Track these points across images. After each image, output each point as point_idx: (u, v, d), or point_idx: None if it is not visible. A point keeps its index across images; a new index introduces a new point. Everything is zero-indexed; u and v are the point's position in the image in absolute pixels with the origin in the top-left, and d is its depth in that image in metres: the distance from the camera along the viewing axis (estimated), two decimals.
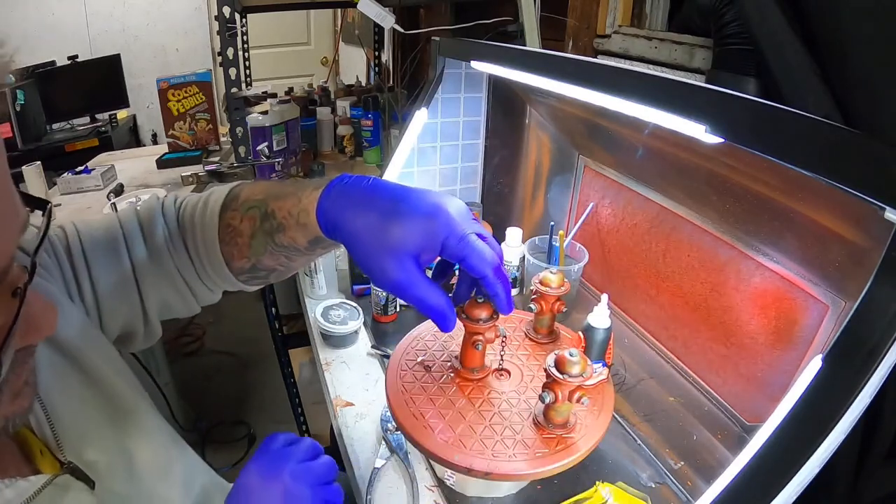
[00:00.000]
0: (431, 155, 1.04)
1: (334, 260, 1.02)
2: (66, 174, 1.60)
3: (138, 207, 0.52)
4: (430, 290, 0.43)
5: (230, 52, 1.15)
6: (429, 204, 0.43)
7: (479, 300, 0.54)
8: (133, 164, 1.84)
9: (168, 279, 0.52)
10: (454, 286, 0.52)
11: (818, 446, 0.32)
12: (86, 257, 0.48)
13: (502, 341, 0.63)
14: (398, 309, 0.94)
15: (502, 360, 0.64)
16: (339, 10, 3.02)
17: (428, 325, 0.69)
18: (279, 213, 0.47)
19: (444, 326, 0.45)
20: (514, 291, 0.99)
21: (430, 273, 0.46)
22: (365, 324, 0.92)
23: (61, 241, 0.48)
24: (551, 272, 0.69)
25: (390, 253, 0.42)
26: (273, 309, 1.55)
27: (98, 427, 0.45)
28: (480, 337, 0.58)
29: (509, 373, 0.64)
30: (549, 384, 0.53)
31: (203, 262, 0.51)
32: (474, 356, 0.60)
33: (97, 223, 0.51)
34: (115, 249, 0.50)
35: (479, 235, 0.44)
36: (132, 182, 1.65)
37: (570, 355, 0.52)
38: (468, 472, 0.52)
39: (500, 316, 0.56)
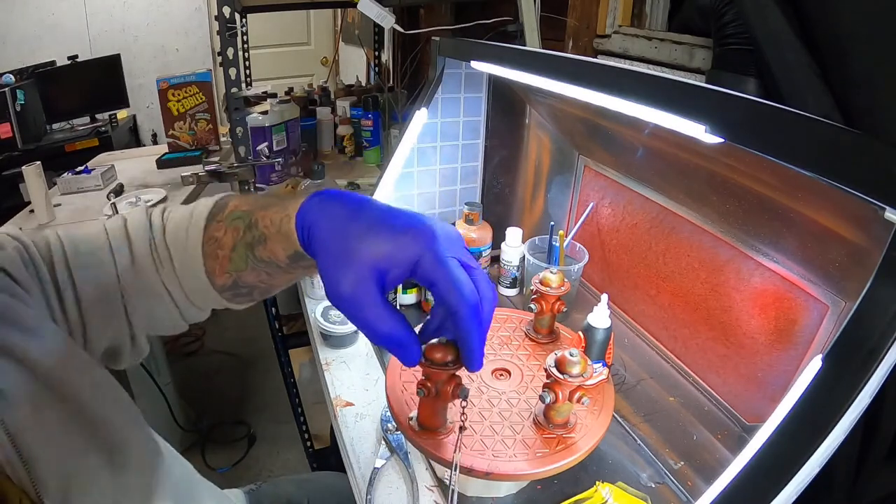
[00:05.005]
0: (431, 155, 1.04)
1: None
2: (66, 174, 1.61)
3: (127, 218, 0.50)
4: (384, 315, 0.37)
5: (230, 52, 1.15)
6: (411, 220, 0.38)
7: (443, 341, 0.45)
8: (133, 164, 1.84)
9: (154, 294, 0.49)
10: (427, 318, 0.46)
11: (818, 446, 0.32)
12: (70, 270, 0.46)
13: (463, 403, 0.50)
14: (398, 309, 0.94)
15: (464, 422, 0.51)
16: (339, 10, 3.02)
17: None
18: (262, 222, 0.44)
19: (404, 359, 0.39)
20: (513, 292, 0.99)
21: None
22: None
23: (44, 254, 0.45)
24: (551, 272, 0.70)
25: (349, 260, 0.36)
26: (273, 309, 1.54)
27: (85, 469, 0.40)
28: (430, 385, 0.48)
29: (509, 373, 0.64)
30: (550, 384, 0.54)
31: (188, 277, 0.49)
32: (427, 409, 0.52)
33: (83, 235, 0.48)
34: (100, 262, 0.47)
35: (469, 267, 0.38)
36: (132, 182, 1.65)
37: (571, 355, 0.52)
38: (469, 472, 0.52)
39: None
